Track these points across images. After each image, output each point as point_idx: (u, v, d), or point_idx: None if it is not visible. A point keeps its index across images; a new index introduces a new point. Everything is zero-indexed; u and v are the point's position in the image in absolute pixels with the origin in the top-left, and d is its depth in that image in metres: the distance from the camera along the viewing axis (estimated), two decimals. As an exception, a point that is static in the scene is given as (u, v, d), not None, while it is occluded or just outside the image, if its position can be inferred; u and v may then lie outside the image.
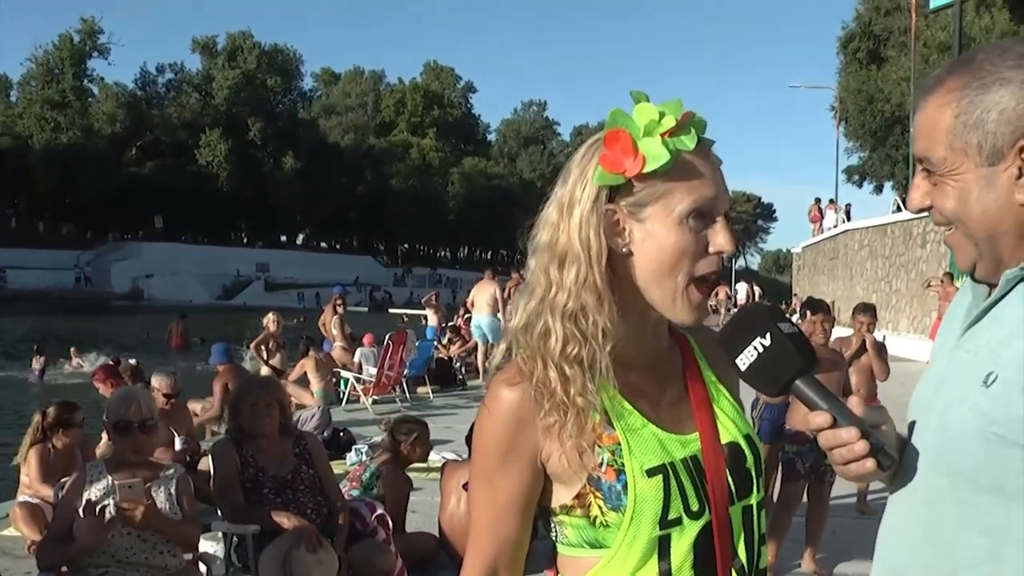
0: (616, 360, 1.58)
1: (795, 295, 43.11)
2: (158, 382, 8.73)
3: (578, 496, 1.57)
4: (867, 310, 8.18)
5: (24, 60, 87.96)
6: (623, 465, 1.54)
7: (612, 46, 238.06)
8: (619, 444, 1.55)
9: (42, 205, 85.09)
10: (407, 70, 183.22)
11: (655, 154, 1.53)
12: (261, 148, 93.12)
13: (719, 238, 1.56)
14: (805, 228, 46.73)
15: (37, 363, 22.26)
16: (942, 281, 20.33)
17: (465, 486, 5.76)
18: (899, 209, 31.29)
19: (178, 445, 8.45)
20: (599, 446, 1.55)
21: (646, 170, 1.53)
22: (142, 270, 78.48)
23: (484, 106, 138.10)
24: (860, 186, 61.06)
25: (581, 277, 1.56)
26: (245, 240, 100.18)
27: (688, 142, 1.54)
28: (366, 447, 9.62)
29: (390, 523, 5.83)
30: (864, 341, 7.89)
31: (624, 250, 1.58)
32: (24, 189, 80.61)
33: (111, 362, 11.25)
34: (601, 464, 1.54)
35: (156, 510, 4.38)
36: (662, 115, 1.54)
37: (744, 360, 1.53)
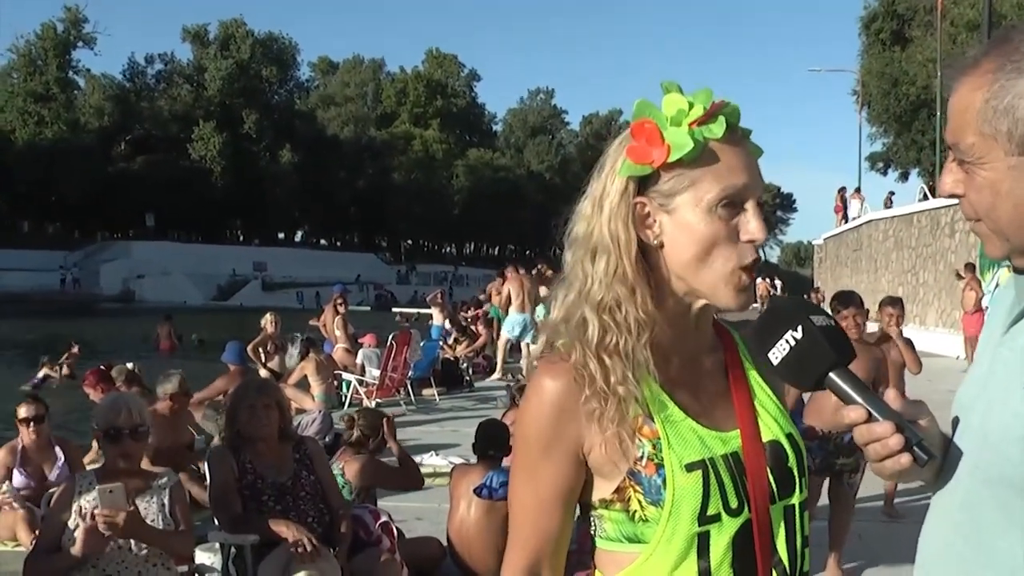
0: (656, 352, 1.62)
1: (817, 288, 43.12)
2: (170, 386, 8.63)
3: (618, 490, 1.60)
4: (895, 303, 8.14)
5: (4, 51, 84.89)
6: (663, 460, 1.57)
7: (622, 31, 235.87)
8: (659, 438, 1.58)
9: (26, 203, 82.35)
10: (408, 58, 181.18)
11: (680, 143, 1.56)
12: (256, 141, 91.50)
13: (750, 226, 1.59)
14: (827, 219, 45.77)
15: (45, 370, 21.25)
16: (964, 271, 20.39)
17: (476, 491, 5.77)
18: (926, 197, 31.37)
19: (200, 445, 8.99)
20: (640, 439, 1.58)
21: (671, 159, 1.57)
22: (132, 271, 77.16)
23: (489, 95, 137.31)
24: (884, 174, 61.06)
25: (611, 268, 1.61)
26: (241, 238, 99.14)
27: (716, 130, 1.57)
28: (369, 452, 9.84)
29: (395, 531, 5.78)
30: (890, 334, 7.97)
31: (656, 242, 1.62)
32: (6, 187, 77.98)
33: (102, 366, 10.67)
34: (642, 458, 1.58)
35: (139, 517, 4.33)
36: (691, 105, 1.58)
37: (776, 354, 1.53)
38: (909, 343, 8.18)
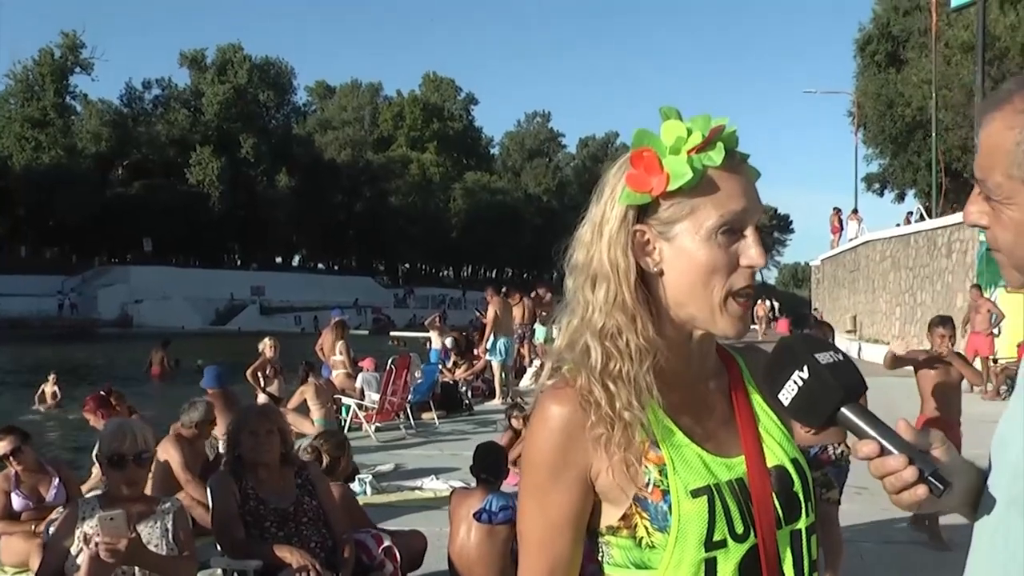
0: (660, 378, 1.62)
1: (815, 309, 43.22)
2: (197, 415, 8.61)
3: (624, 517, 1.61)
4: (945, 323, 8.02)
5: (2, 76, 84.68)
6: (668, 486, 1.58)
7: (618, 53, 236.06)
8: (665, 464, 1.59)
9: (24, 228, 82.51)
10: (405, 82, 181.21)
11: (679, 172, 1.57)
12: (254, 166, 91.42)
13: (750, 252, 1.60)
14: (823, 240, 45.56)
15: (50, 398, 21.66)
16: (971, 292, 20.22)
17: (476, 515, 5.76)
18: (922, 218, 31.36)
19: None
20: (646, 466, 1.59)
21: (671, 188, 1.58)
22: (131, 295, 76.44)
23: (486, 118, 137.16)
24: (881, 194, 60.08)
25: (611, 296, 1.62)
26: (239, 262, 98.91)
27: (715, 157, 1.58)
28: (370, 477, 10.09)
29: (398, 556, 5.74)
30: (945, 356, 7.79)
31: (655, 269, 1.63)
32: (4, 212, 77.84)
33: (102, 392, 10.71)
34: (648, 484, 1.59)
35: (141, 544, 4.31)
36: (689, 132, 1.58)
37: (786, 395, 1.55)
38: (962, 357, 8.08)
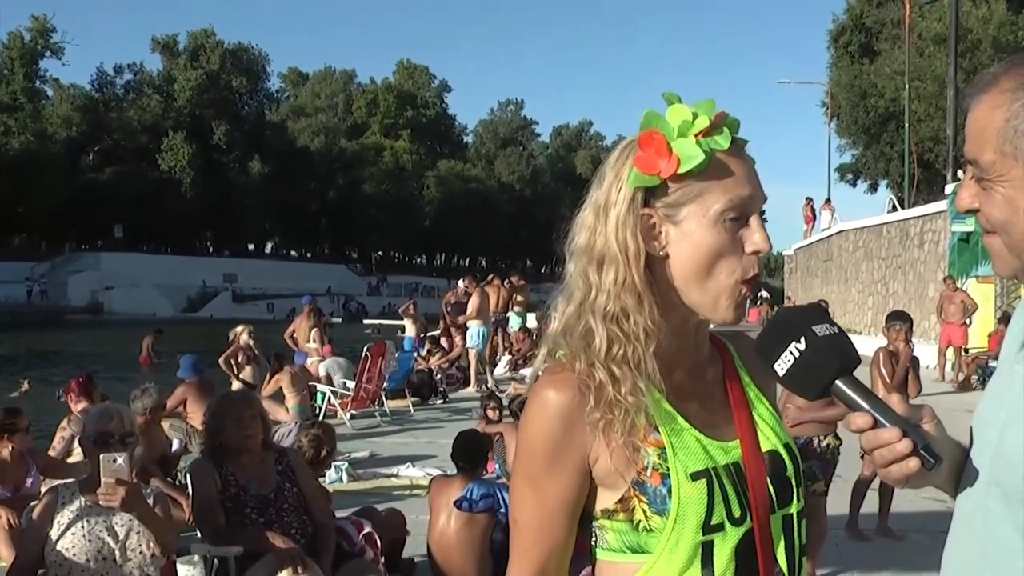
0: (660, 362, 1.61)
1: (788, 298, 43.12)
2: (150, 401, 8.59)
3: (621, 500, 1.60)
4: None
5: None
6: (668, 469, 1.58)
7: (590, 42, 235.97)
8: (664, 448, 1.59)
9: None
10: (379, 69, 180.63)
11: (689, 154, 1.57)
12: (226, 152, 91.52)
13: (755, 237, 1.60)
14: (796, 229, 45.47)
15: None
16: (945, 283, 20.46)
17: (456, 503, 5.75)
18: (895, 208, 31.67)
19: (175, 445, 9.56)
20: (645, 449, 1.58)
21: (681, 171, 1.57)
22: (101, 282, 76.09)
23: (460, 106, 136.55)
24: (853, 185, 60.67)
25: (620, 279, 1.60)
26: (211, 249, 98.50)
27: (722, 142, 1.59)
28: (346, 464, 10.12)
29: (378, 542, 5.76)
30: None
31: (661, 253, 1.62)
32: (-28, 198, 76.56)
33: (80, 378, 10.23)
34: (646, 468, 1.58)
35: (140, 492, 4.35)
36: (695, 116, 1.59)
37: (782, 365, 1.54)
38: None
